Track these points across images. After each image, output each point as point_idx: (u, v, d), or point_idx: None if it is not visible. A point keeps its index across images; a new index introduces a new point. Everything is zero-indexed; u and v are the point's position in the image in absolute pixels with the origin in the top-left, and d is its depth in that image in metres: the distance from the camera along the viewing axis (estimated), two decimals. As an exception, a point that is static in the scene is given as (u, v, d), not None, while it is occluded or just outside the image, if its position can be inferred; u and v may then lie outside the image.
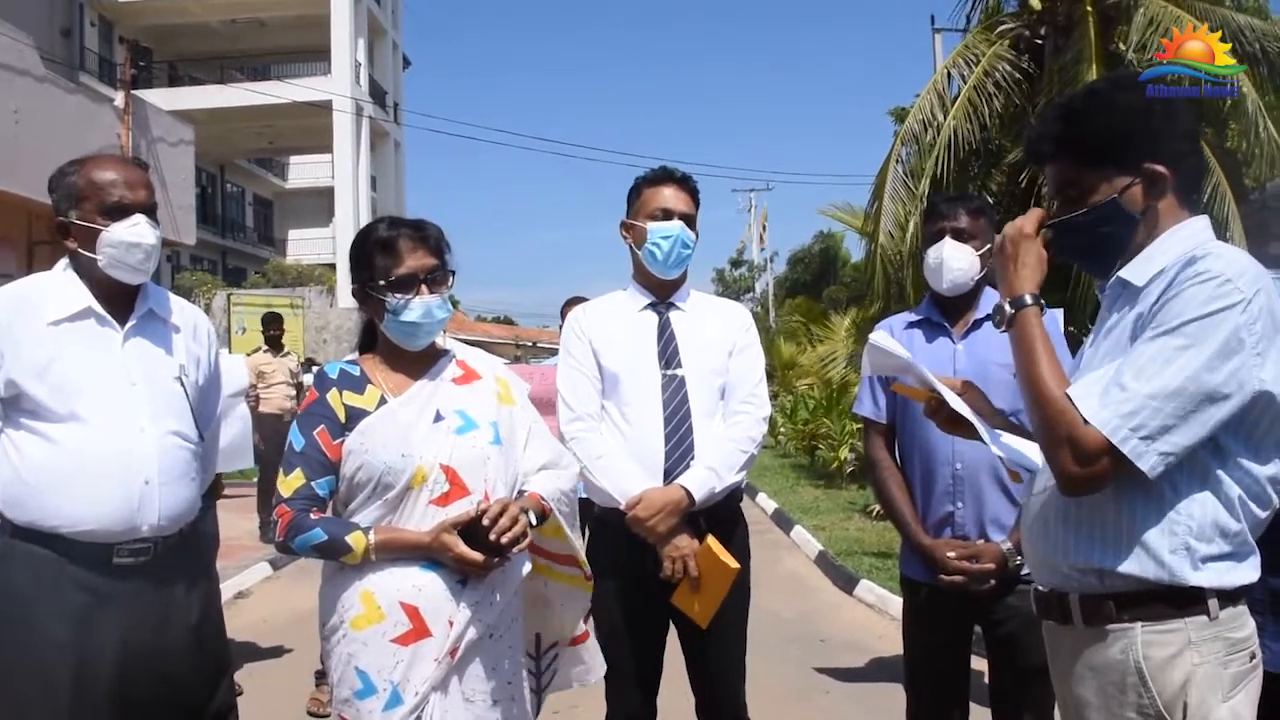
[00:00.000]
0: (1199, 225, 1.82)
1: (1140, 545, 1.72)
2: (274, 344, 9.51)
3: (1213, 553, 1.70)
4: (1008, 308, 1.83)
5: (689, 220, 2.91)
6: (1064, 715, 1.91)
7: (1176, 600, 1.71)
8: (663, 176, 2.95)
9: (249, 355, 9.85)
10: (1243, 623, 1.75)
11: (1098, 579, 1.76)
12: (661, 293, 2.96)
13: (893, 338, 3.01)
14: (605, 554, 2.91)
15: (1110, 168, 1.80)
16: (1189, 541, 1.70)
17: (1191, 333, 1.63)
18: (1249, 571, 1.74)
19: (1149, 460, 1.64)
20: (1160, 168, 1.78)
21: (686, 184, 2.95)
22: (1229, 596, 1.72)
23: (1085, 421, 1.66)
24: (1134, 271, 1.80)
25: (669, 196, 2.90)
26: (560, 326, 5.57)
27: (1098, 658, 1.77)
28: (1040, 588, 1.90)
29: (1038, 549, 1.90)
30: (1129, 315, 1.78)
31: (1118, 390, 1.66)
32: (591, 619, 2.64)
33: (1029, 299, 1.82)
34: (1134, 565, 1.72)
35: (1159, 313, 1.68)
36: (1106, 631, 1.76)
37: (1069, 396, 1.70)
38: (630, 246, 2.96)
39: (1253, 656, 1.75)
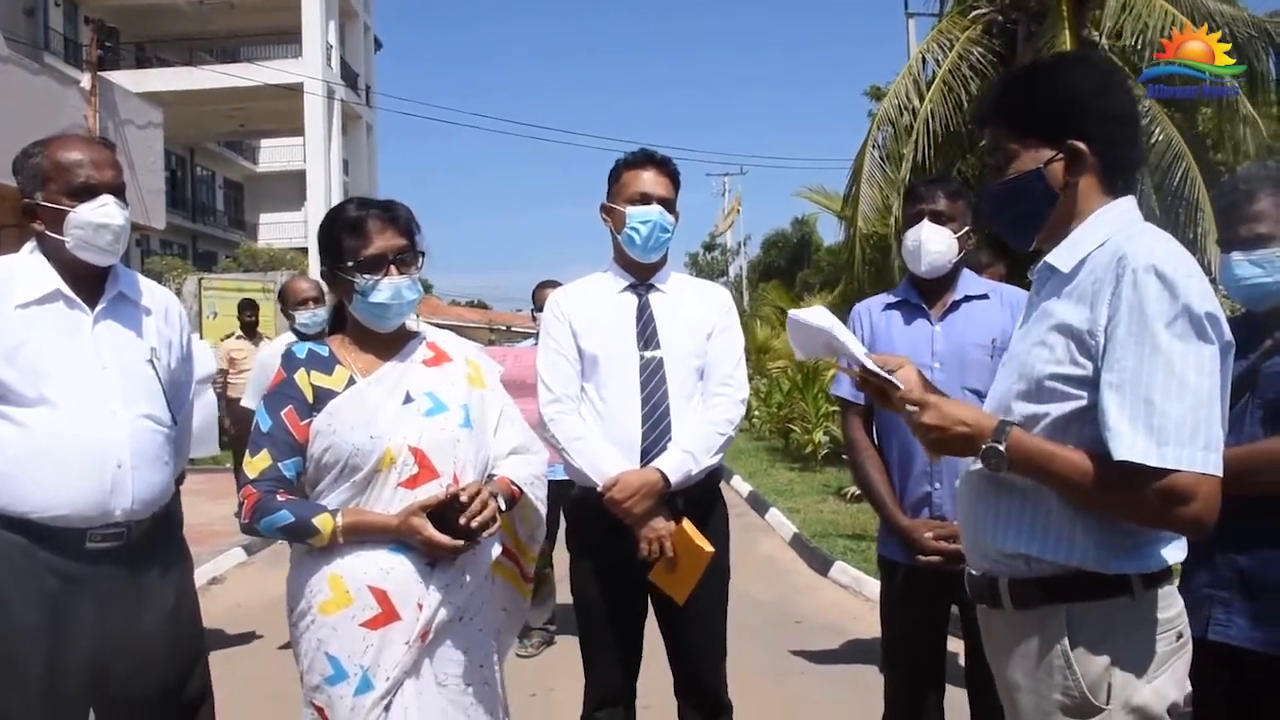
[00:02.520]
0: (1122, 207, 1.81)
1: (1062, 531, 1.74)
2: (249, 330, 9.42)
3: (1134, 537, 1.72)
4: (999, 448, 1.71)
5: (668, 204, 2.90)
6: (1001, 697, 1.93)
7: (1100, 584, 1.72)
8: (642, 160, 2.93)
9: (223, 340, 9.73)
10: (1170, 603, 1.76)
11: (1024, 564, 1.78)
12: (641, 274, 2.95)
13: (855, 318, 3.03)
14: (584, 535, 2.91)
15: (1035, 139, 1.81)
16: (1109, 526, 1.71)
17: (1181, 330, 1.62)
18: (1173, 552, 1.76)
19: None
20: (1082, 145, 1.78)
21: (666, 167, 2.94)
22: (1154, 578, 1.74)
23: (1163, 472, 1.59)
24: (1059, 257, 1.81)
25: (648, 180, 2.89)
26: (532, 310, 5.55)
27: (1026, 641, 1.79)
28: (973, 571, 1.92)
29: (968, 534, 1.92)
30: (1055, 300, 1.78)
31: (1157, 418, 1.59)
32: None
33: (1001, 427, 1.73)
34: (1057, 551, 1.74)
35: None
36: (1034, 615, 1.78)
37: (1125, 462, 1.60)
38: (610, 229, 2.95)
39: (1179, 636, 1.77)
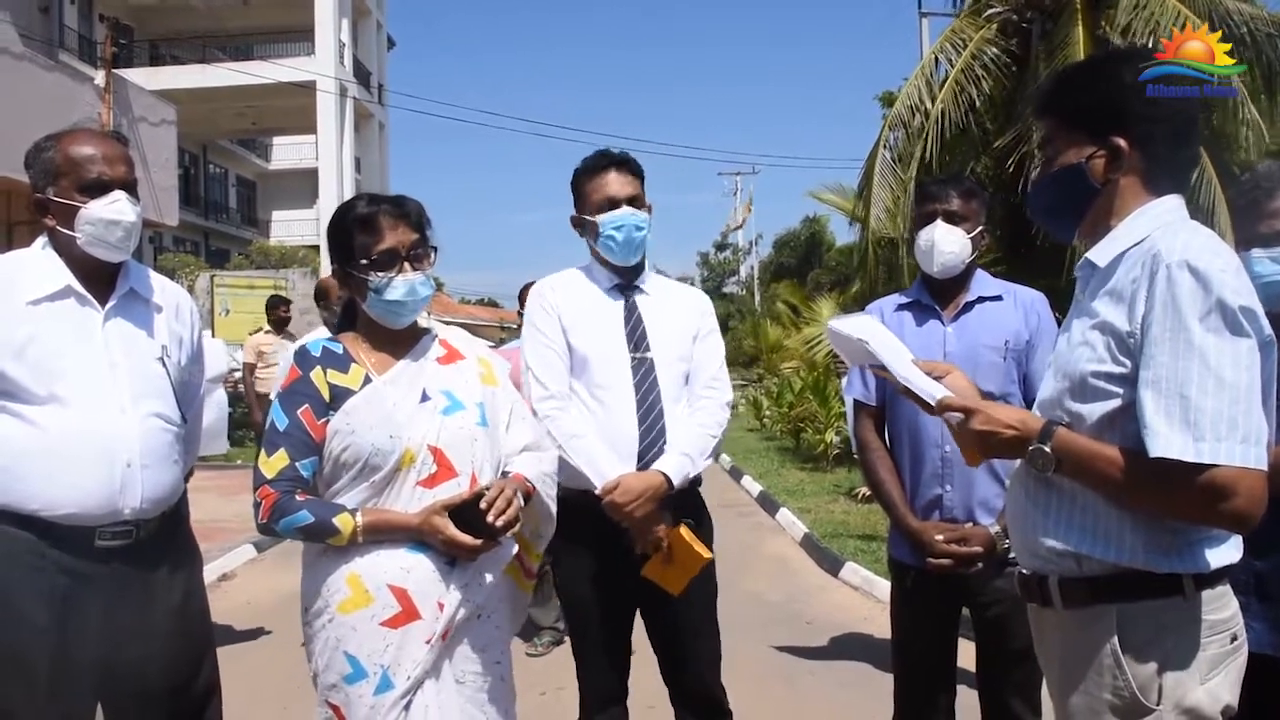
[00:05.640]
0: (1166, 205, 1.80)
1: (1111, 530, 1.72)
2: (279, 325, 9.45)
3: (1184, 536, 1.70)
4: (1045, 449, 1.73)
5: (637, 201, 2.85)
6: (1051, 695, 1.92)
7: (1151, 584, 1.71)
8: (601, 164, 2.87)
9: (251, 334, 9.74)
10: (1223, 604, 1.74)
11: (1075, 563, 1.77)
12: (625, 275, 2.92)
13: (877, 320, 2.98)
14: (573, 535, 2.86)
15: (1082, 134, 1.82)
16: (1157, 525, 1.70)
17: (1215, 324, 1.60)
18: (1228, 553, 1.74)
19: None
20: (1123, 143, 1.77)
21: (626, 165, 2.88)
22: (1206, 579, 1.72)
23: (1201, 468, 1.57)
24: (1098, 253, 1.82)
25: (612, 183, 2.84)
26: (519, 311, 5.51)
27: (1076, 640, 1.78)
28: (1023, 571, 1.91)
29: (1018, 533, 1.91)
30: (1095, 299, 1.78)
31: (1193, 413, 1.57)
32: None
33: (1047, 428, 1.74)
34: (1107, 550, 1.73)
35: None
36: (1084, 614, 1.76)
37: (1163, 459, 1.59)
38: (587, 240, 2.92)
39: (1234, 638, 1.75)
